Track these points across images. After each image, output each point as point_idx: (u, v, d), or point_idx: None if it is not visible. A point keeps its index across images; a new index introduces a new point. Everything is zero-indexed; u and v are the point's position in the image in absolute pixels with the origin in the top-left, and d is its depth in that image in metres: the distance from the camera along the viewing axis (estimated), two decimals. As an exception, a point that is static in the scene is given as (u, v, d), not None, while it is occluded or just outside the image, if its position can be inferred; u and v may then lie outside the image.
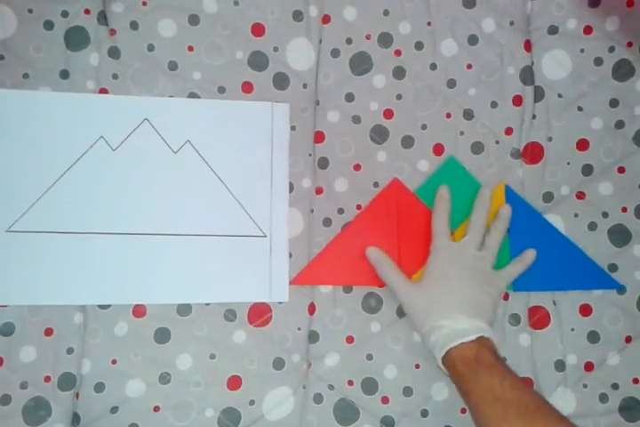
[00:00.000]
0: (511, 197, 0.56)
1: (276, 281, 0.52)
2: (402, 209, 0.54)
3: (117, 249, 0.50)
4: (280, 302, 0.53)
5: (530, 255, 0.54)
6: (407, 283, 0.51)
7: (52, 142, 0.51)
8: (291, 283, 0.53)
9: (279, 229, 0.53)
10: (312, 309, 0.53)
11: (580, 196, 0.58)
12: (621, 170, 0.59)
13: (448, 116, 0.57)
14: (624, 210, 0.58)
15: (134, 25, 0.53)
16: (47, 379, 0.49)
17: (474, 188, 0.56)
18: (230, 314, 0.52)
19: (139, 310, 0.51)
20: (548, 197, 0.58)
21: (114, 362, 0.50)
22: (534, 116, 0.58)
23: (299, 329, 0.53)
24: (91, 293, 0.50)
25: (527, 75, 0.58)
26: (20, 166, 0.50)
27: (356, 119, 0.56)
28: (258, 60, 0.55)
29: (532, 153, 0.58)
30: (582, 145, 0.59)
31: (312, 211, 0.54)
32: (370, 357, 0.54)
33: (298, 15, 0.55)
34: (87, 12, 0.52)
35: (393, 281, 0.51)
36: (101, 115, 0.52)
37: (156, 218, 0.51)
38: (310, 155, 0.55)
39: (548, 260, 0.55)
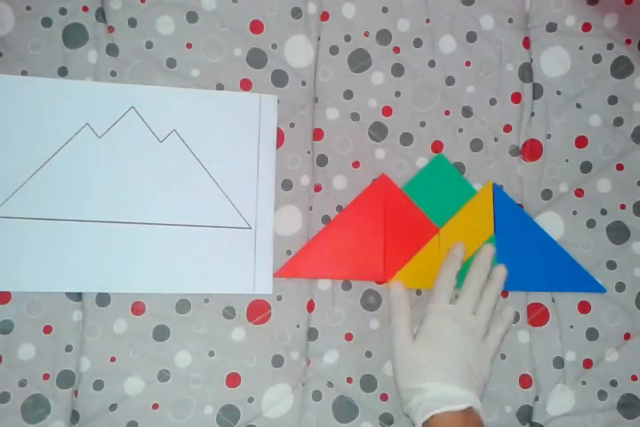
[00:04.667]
0: (499, 197, 0.56)
1: (260, 273, 0.52)
2: (389, 204, 0.54)
3: (100, 237, 0.50)
4: (279, 300, 0.53)
5: (509, 314, 0.51)
6: (409, 335, 0.48)
7: (36, 128, 0.50)
8: (274, 275, 0.53)
9: (264, 221, 0.53)
10: (311, 306, 0.53)
11: (579, 193, 0.58)
12: (620, 167, 0.59)
13: (447, 113, 0.57)
14: (623, 207, 0.58)
15: (132, 22, 0.53)
16: (46, 376, 0.49)
17: (461, 186, 0.56)
18: (229, 311, 0.52)
19: (137, 308, 0.51)
20: (546, 194, 0.58)
21: (112, 360, 0.50)
22: (533, 114, 0.58)
23: (297, 326, 0.53)
24: (72, 280, 0.49)
25: (526, 72, 0.58)
26: (2, 152, 0.50)
27: (355, 116, 0.56)
28: (256, 58, 0.54)
29: (531, 150, 0.58)
30: (581, 142, 0.59)
31: (311, 208, 0.54)
32: (369, 354, 0.54)
33: (296, 12, 0.55)
34: (85, 9, 0.52)
35: (397, 326, 0.49)
36: (87, 101, 0.51)
37: (140, 207, 0.51)
38: (309, 152, 0.55)
39: (533, 262, 0.55)
